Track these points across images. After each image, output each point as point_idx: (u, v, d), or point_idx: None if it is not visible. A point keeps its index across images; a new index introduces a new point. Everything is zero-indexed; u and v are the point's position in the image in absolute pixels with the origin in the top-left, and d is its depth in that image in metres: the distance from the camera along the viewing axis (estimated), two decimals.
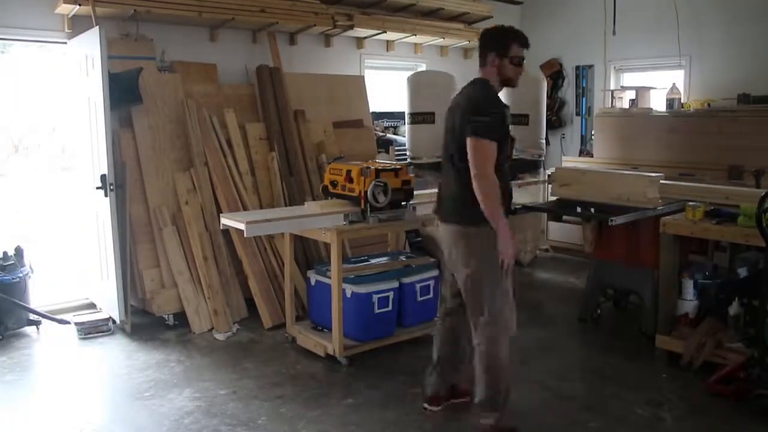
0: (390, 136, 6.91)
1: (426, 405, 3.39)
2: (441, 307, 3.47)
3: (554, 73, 7.88)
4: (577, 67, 7.75)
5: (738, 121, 5.72)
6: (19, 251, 4.67)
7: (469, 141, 2.91)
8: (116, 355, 4.27)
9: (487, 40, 3.07)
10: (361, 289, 4.08)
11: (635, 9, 6.91)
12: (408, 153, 6.46)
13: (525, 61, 3.12)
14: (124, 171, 4.69)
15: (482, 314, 3.08)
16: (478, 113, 2.92)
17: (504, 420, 3.14)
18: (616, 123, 6.58)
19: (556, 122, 7.86)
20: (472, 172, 2.90)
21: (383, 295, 4.16)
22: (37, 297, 4.79)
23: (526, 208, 5.17)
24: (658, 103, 6.80)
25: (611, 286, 4.95)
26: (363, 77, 6.65)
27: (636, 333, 4.51)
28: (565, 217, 5.23)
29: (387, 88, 7.35)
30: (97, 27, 4.38)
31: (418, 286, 4.35)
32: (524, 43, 3.07)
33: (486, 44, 3.06)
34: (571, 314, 5.01)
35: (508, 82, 3.09)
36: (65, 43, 4.94)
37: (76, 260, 5.43)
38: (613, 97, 7.18)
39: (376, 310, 4.12)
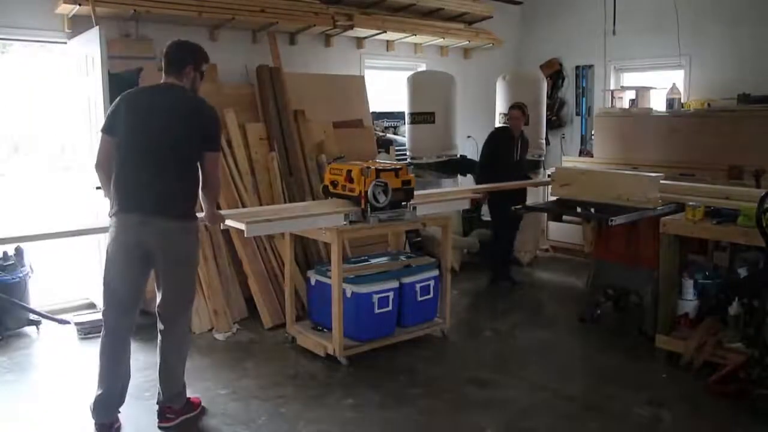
0: (390, 136, 6.91)
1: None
2: None
3: (554, 73, 7.88)
4: (577, 67, 7.75)
5: (738, 121, 5.72)
6: (19, 251, 4.66)
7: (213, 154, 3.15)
8: None
9: (186, 52, 3.25)
10: (361, 289, 4.08)
11: (635, 9, 6.91)
12: (408, 153, 6.47)
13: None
14: None
15: None
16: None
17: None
18: (616, 123, 6.58)
19: (556, 122, 7.87)
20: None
21: (383, 295, 4.16)
22: (37, 297, 4.79)
23: (526, 208, 5.18)
24: (658, 103, 6.80)
25: (611, 286, 4.95)
26: (363, 77, 6.65)
27: (636, 333, 4.51)
28: (565, 217, 5.25)
29: (387, 88, 7.35)
30: (97, 27, 4.39)
31: (418, 286, 4.35)
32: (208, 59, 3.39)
33: (185, 56, 3.23)
34: (571, 314, 5.01)
35: (193, 92, 3.27)
36: (65, 43, 4.94)
37: (76, 260, 5.42)
38: (613, 97, 7.19)
39: (376, 310, 4.12)
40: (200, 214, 3.29)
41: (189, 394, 3.39)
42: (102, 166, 3.16)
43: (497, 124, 6.97)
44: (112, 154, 3.10)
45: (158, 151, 3.04)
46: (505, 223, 5.70)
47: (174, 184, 3.07)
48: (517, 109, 5.68)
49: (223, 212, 4.34)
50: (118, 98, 3.15)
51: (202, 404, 3.45)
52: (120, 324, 3.17)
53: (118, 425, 3.21)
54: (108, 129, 3.11)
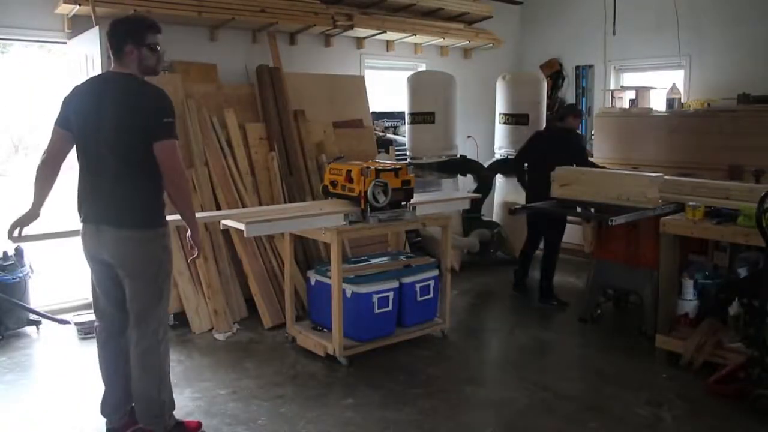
0: (390, 136, 6.91)
1: None
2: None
3: (554, 73, 7.87)
4: (577, 67, 7.74)
5: (738, 121, 5.72)
6: (19, 251, 4.66)
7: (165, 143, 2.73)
8: None
9: (120, 31, 2.79)
10: (361, 289, 4.08)
11: (635, 9, 6.90)
12: (408, 153, 6.47)
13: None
14: None
15: None
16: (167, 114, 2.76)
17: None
18: (616, 123, 6.58)
19: None
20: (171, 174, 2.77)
21: (383, 295, 4.16)
22: (37, 297, 4.79)
23: (526, 208, 5.18)
24: (658, 103, 6.80)
25: (611, 286, 4.95)
26: (363, 77, 6.64)
27: (636, 333, 4.51)
28: None
29: (387, 88, 7.35)
30: (97, 27, 4.39)
31: (418, 286, 4.35)
32: (158, 28, 2.88)
33: (120, 36, 2.79)
34: (571, 314, 5.01)
35: (149, 71, 2.90)
36: (65, 43, 4.94)
37: (76, 260, 5.42)
38: (613, 97, 7.18)
39: (376, 310, 4.13)
40: (173, 217, 3.03)
41: (189, 393, 3.37)
42: (47, 163, 2.85)
43: (497, 124, 6.98)
44: (63, 150, 2.85)
45: (102, 153, 2.75)
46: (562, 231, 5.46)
47: (125, 189, 2.76)
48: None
49: (222, 212, 4.36)
50: (69, 92, 2.88)
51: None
52: (106, 327, 3.02)
53: (134, 429, 3.05)
54: (61, 121, 2.83)
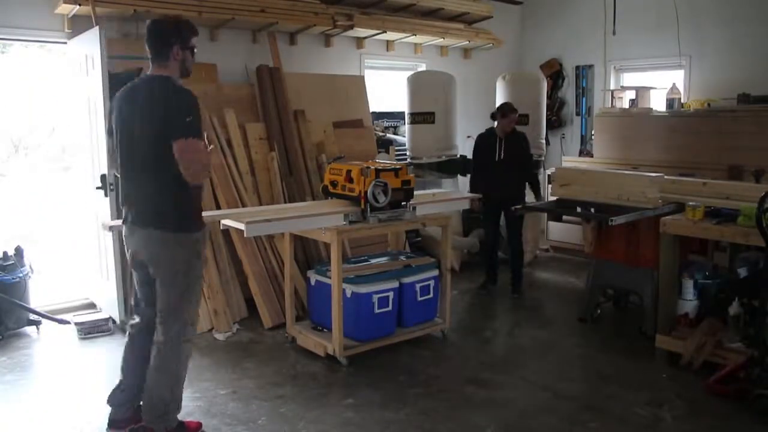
0: (390, 136, 6.92)
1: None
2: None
3: (554, 73, 7.88)
4: (577, 67, 7.74)
5: (738, 121, 5.72)
6: (19, 251, 4.66)
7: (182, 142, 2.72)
8: (116, 355, 4.23)
9: (168, 31, 2.85)
10: (361, 289, 4.08)
11: (635, 9, 6.91)
12: (408, 153, 6.48)
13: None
14: None
15: None
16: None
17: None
18: (616, 123, 6.58)
19: (556, 122, 7.87)
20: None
21: (383, 295, 4.16)
22: (37, 297, 4.79)
23: (526, 208, 5.18)
24: (658, 103, 6.80)
25: (611, 286, 4.95)
26: (363, 77, 6.65)
27: (636, 333, 4.51)
28: (565, 217, 5.24)
29: (387, 88, 7.35)
30: (97, 27, 4.39)
31: (418, 286, 4.35)
32: (197, 31, 2.97)
33: (168, 36, 2.84)
34: (571, 314, 5.01)
35: (186, 73, 2.95)
36: (65, 43, 4.94)
37: (76, 260, 5.43)
38: (613, 97, 7.19)
39: (376, 310, 4.13)
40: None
41: (189, 393, 3.37)
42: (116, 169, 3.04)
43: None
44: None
45: (132, 155, 2.86)
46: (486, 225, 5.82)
47: (156, 191, 2.83)
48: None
49: (223, 212, 4.37)
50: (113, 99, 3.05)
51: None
52: (138, 323, 3.11)
53: (134, 427, 3.04)
54: (108, 130, 3.06)
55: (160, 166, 2.77)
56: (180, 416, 3.23)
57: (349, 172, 4.08)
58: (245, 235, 3.70)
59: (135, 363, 3.09)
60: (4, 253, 4.59)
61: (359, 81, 6.53)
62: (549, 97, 7.54)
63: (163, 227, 2.86)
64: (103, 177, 4.44)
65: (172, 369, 2.98)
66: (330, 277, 4.04)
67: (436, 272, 4.49)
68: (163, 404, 2.97)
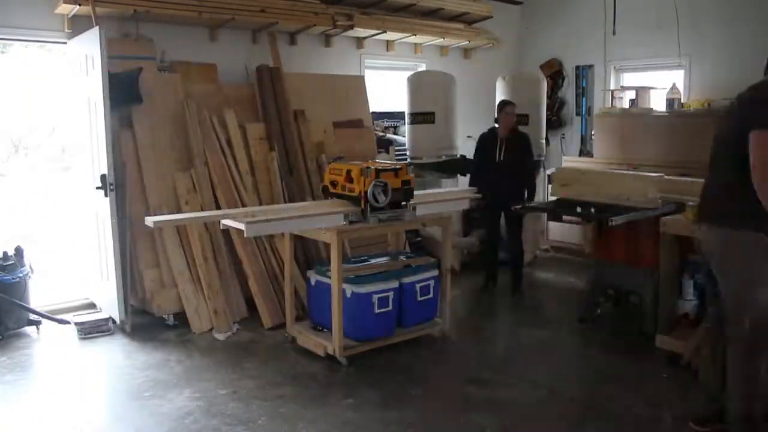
0: (390, 136, 6.91)
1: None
2: None
3: (554, 73, 7.87)
4: (577, 67, 7.74)
5: None
6: (19, 251, 4.66)
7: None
8: (116, 355, 4.27)
9: None
10: (361, 289, 4.08)
11: (635, 9, 6.90)
12: (408, 153, 6.47)
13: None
14: (124, 171, 4.69)
15: None
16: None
17: None
18: (616, 123, 6.58)
19: (556, 122, 7.86)
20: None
21: (383, 295, 4.15)
22: (37, 297, 4.78)
23: (527, 208, 5.18)
24: (658, 103, 6.79)
25: (611, 286, 4.94)
26: (363, 77, 6.65)
27: (636, 333, 4.50)
28: (565, 217, 5.24)
29: (387, 88, 7.35)
30: (97, 27, 4.39)
31: (418, 286, 4.34)
32: None
33: None
34: (571, 314, 5.01)
35: None
36: (65, 43, 4.94)
37: (76, 260, 5.43)
38: (613, 97, 7.18)
39: (376, 310, 4.12)
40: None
41: (189, 393, 3.36)
42: None
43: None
44: None
45: (716, 154, 3.11)
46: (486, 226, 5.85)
47: (724, 189, 2.97)
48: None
49: (222, 212, 4.37)
50: None
51: None
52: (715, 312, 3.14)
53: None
54: None
55: (739, 167, 2.85)
56: (180, 415, 3.26)
57: (349, 172, 4.08)
58: (245, 235, 3.70)
59: (716, 354, 3.11)
60: (4, 253, 4.59)
61: (359, 81, 6.53)
62: (549, 97, 7.52)
63: (726, 224, 2.92)
64: (103, 177, 4.43)
65: (735, 372, 2.94)
66: (330, 277, 4.04)
67: (436, 272, 4.49)
68: (734, 408, 2.94)
